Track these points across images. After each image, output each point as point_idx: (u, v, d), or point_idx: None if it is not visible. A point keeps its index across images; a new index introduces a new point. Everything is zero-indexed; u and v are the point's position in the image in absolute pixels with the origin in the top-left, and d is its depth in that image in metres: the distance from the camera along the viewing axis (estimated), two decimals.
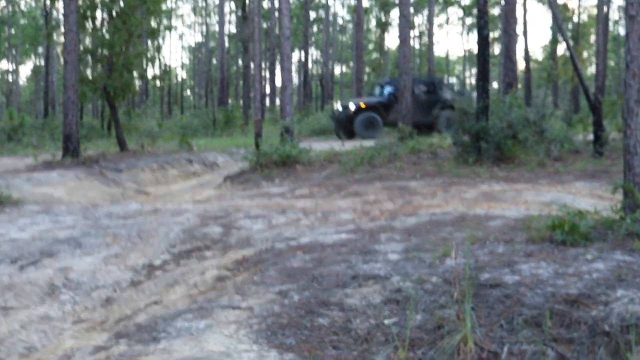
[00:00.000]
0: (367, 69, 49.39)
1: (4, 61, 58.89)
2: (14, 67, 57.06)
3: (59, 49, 41.36)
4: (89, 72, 19.38)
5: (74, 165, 15.08)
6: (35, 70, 59.93)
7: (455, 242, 5.58)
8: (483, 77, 13.67)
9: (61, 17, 25.81)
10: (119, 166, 15.55)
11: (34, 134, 25.37)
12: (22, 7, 54.38)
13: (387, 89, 24.18)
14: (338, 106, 24.75)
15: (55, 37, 37.92)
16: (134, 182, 14.71)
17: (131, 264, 6.60)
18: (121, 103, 21.03)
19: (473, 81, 66.49)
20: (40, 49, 54.51)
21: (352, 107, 23.28)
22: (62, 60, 19.18)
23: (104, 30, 19.14)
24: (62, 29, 17.65)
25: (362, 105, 23.29)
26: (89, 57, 19.04)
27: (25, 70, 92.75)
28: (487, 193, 9.68)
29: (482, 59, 13.69)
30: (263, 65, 50.95)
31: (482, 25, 13.61)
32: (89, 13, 18.89)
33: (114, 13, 18.98)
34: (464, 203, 8.85)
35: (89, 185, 13.40)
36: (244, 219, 8.27)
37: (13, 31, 53.83)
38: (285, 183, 12.00)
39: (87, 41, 19.35)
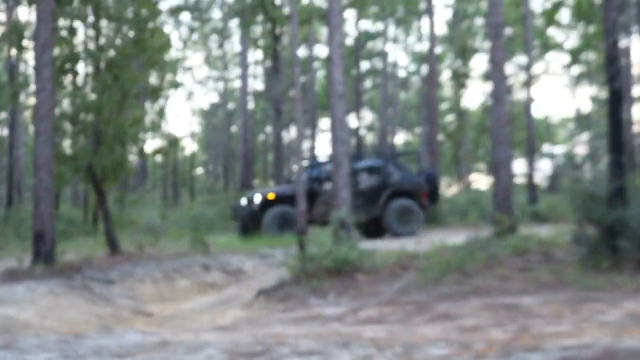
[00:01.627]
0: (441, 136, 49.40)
1: None
2: None
3: (27, 114, 42.15)
4: (67, 145, 19.42)
5: (47, 275, 14.88)
6: None
7: None
8: (616, 146, 13.26)
9: (31, 70, 26.16)
10: (109, 276, 15.33)
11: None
12: None
13: (310, 174, 24.26)
14: (243, 200, 24.97)
15: (23, 98, 38.53)
16: (130, 297, 14.47)
17: None
18: (111, 187, 21.01)
19: (580, 149, 65.84)
20: (3, 114, 55.58)
21: (257, 199, 23.50)
22: (31, 129, 19.28)
23: (88, 89, 19.25)
24: (33, 87, 17.76)
25: (271, 197, 23.45)
26: (68, 125, 19.10)
27: None
28: (636, 314, 9.14)
29: (613, 121, 13.33)
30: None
31: (613, 75, 13.30)
32: (68, 65, 19.04)
33: (101, 65, 19.12)
34: (606, 329, 8.30)
35: (68, 303, 13.12)
36: (291, 356, 7.81)
37: None
38: (343, 300, 11.60)
39: (66, 103, 19.49)
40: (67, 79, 19.38)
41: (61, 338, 9.50)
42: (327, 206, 22.09)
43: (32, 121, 17.34)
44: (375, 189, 24.00)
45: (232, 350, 8.21)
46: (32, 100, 19.19)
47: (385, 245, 16.48)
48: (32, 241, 16.40)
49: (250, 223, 23.26)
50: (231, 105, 60.73)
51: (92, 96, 18.72)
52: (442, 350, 7.88)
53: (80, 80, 19.67)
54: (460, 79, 50.62)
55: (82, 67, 19.90)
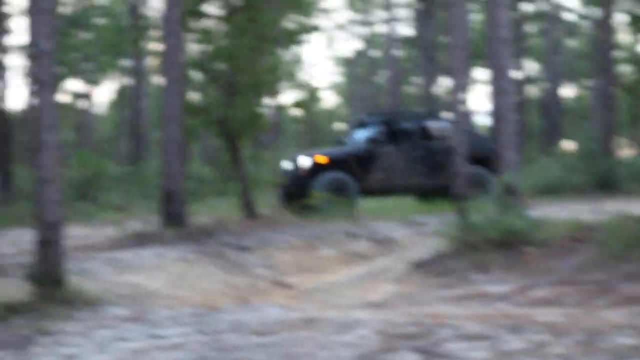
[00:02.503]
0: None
1: (74, 80, 61.66)
2: (89, 88, 59.68)
3: (151, 62, 42.93)
4: (199, 96, 19.64)
5: (177, 239, 15.10)
6: (119, 93, 62.43)
7: None
8: None
9: (155, 13, 26.52)
10: (245, 242, 15.45)
11: (117, 188, 26.05)
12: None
13: (368, 132, 22.80)
14: (286, 162, 23.39)
15: (147, 43, 39.22)
16: (268, 267, 14.55)
17: None
18: (246, 143, 21.17)
19: None
20: (126, 62, 56.71)
21: (304, 163, 21.62)
22: (156, 79, 19.57)
23: (220, 33, 19.37)
24: (159, 32, 17.95)
25: (322, 161, 21.61)
26: (199, 74, 19.29)
27: (105, 93, 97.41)
28: None
29: None
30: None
31: None
32: (198, 7, 19.16)
33: (235, 5, 19.18)
34: None
35: (200, 271, 13.29)
36: (454, 340, 7.69)
37: (88, 36, 56.42)
38: (510, 277, 11.36)
39: (196, 50, 19.69)
40: (198, 22, 19.52)
41: (195, 311, 9.63)
42: (387, 172, 21.56)
43: (160, 70, 17.53)
44: (442, 154, 22.40)
45: (387, 331, 8.13)
46: (155, 46, 19.40)
47: (554, 213, 16.07)
48: (160, 202, 16.66)
49: (295, 190, 21.33)
50: (376, 53, 60.50)
51: (225, 41, 18.79)
52: (630, 339, 7.62)
53: (211, 23, 19.78)
54: (639, 23, 48.93)
55: (213, 9, 20.01)
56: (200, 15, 19.44)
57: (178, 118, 16.53)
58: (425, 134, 22.52)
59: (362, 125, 23.72)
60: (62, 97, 62.81)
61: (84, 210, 22.18)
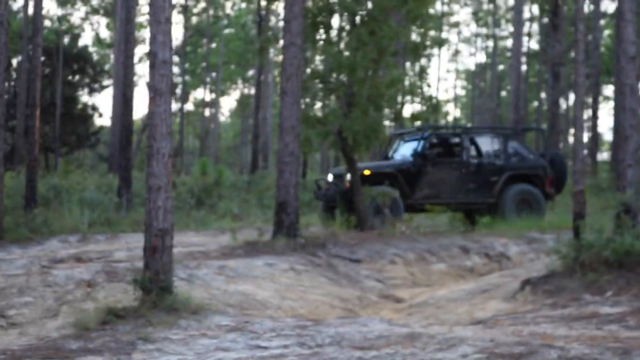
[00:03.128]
0: None
1: (201, 89, 62.61)
2: (214, 97, 60.53)
3: (276, 72, 43.33)
4: (317, 107, 19.66)
5: (289, 249, 15.11)
6: (242, 101, 63.11)
7: None
8: None
9: (281, 24, 26.70)
10: (357, 254, 15.38)
11: (236, 197, 26.27)
12: (229, 10, 57.54)
13: (415, 145, 21.83)
14: (329, 175, 22.78)
15: (272, 54, 39.51)
16: (378, 280, 14.46)
17: None
18: (363, 155, 21.10)
19: None
20: (251, 72, 57.26)
21: (348, 177, 20.22)
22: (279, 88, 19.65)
23: (341, 45, 19.35)
24: (281, 42, 18.00)
25: (366, 173, 20.66)
26: (319, 85, 19.30)
27: (229, 102, 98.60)
28: None
29: None
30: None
31: None
32: (321, 19, 19.18)
33: (357, 19, 19.16)
34: None
35: (309, 283, 13.26)
36: None
37: (214, 45, 57.19)
38: (624, 298, 10.98)
39: (317, 61, 19.69)
40: (319, 34, 19.54)
41: (299, 322, 9.57)
42: (433, 189, 21.05)
43: (279, 79, 17.61)
44: (491, 171, 21.90)
45: (490, 349, 7.94)
46: (281, 58, 19.50)
47: None
48: (275, 212, 16.69)
49: (338, 204, 20.39)
50: (501, 67, 59.91)
51: (346, 53, 18.75)
52: None
53: (333, 35, 19.78)
54: None
55: (336, 21, 20.02)
56: (322, 26, 19.44)
57: (295, 129, 16.51)
58: (475, 150, 22.06)
59: (408, 139, 22.80)
60: (188, 106, 63.94)
61: (201, 218, 22.43)
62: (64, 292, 11.94)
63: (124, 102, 27.02)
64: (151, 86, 10.40)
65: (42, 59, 33.99)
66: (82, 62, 49.20)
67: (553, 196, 22.53)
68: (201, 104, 64.00)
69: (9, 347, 8.87)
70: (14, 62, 43.50)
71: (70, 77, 48.57)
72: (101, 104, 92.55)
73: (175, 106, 56.79)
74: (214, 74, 59.34)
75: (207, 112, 62.71)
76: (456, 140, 22.10)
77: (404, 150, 22.44)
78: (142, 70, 56.17)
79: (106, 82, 50.38)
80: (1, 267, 14.48)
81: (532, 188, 21.80)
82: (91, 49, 54.83)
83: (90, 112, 50.70)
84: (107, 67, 52.89)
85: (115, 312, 9.55)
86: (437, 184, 21.18)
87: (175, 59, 52.04)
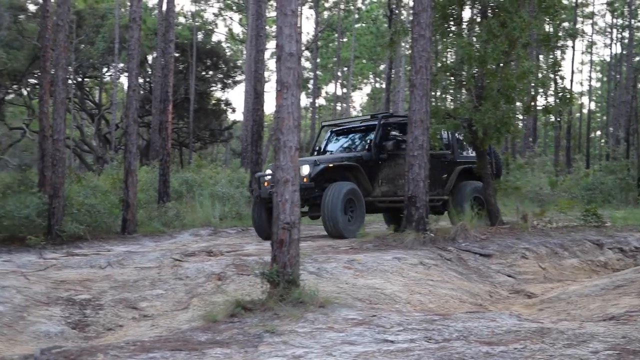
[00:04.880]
0: None
1: (332, 83, 62.87)
2: (345, 91, 60.68)
3: (407, 66, 43.18)
4: (447, 100, 19.47)
5: (418, 243, 15.06)
6: (373, 95, 63.15)
7: None
8: None
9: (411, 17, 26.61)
10: (487, 249, 15.24)
11: None
12: (360, 4, 57.59)
13: (353, 136, 20.19)
14: (267, 171, 19.68)
15: (402, 48, 39.38)
16: (509, 274, 14.27)
17: None
18: (495, 148, 20.84)
19: None
20: (382, 66, 57.21)
21: (304, 171, 18.14)
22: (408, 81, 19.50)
23: (472, 37, 19.13)
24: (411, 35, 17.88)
25: (331, 167, 18.56)
26: (448, 78, 19.11)
27: (361, 96, 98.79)
28: None
29: None
30: None
31: None
32: (451, 10, 18.98)
33: (488, 10, 18.90)
34: None
35: (438, 276, 13.17)
36: None
37: (346, 40, 57.29)
38: None
39: (447, 53, 19.51)
40: (449, 26, 19.36)
41: (426, 317, 9.48)
42: (391, 184, 19.27)
43: (408, 72, 17.49)
44: (443, 165, 20.01)
45: (622, 346, 7.72)
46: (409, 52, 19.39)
47: None
48: (404, 206, 16.59)
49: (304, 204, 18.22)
50: (638, 58, 58.38)
51: (476, 45, 18.52)
52: None
53: (463, 27, 19.57)
54: None
55: (466, 13, 19.82)
56: (452, 18, 19.26)
57: (424, 122, 16.39)
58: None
59: (370, 126, 20.30)
60: (319, 100, 64.26)
61: None
62: (194, 284, 12.14)
63: (255, 97, 27.30)
64: (278, 79, 10.45)
65: (176, 55, 34.60)
66: (215, 57, 49.88)
67: (496, 192, 20.08)
68: (333, 99, 64.24)
69: (140, 338, 9.03)
70: (149, 58, 44.38)
71: (203, 73, 49.31)
72: (234, 99, 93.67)
73: (307, 101, 57.15)
74: (345, 69, 59.48)
75: (338, 106, 62.91)
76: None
77: (342, 143, 20.62)
78: (273, 65, 56.69)
79: (239, 77, 50.96)
80: (134, 260, 14.81)
81: (481, 184, 19.64)
82: (224, 45, 55.53)
83: (223, 107, 51.39)
84: (239, 62, 53.49)
85: (244, 305, 9.63)
86: (394, 179, 19.28)
87: (307, 53, 52.36)
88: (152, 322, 10.87)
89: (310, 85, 53.33)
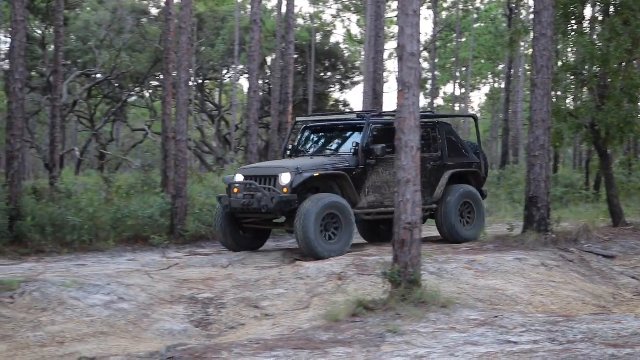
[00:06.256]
0: None
1: (451, 84, 62.64)
2: (464, 92, 60.34)
3: (527, 65, 42.72)
4: (569, 100, 19.21)
5: (539, 244, 14.86)
6: (493, 96, 62.58)
7: None
8: None
9: (531, 16, 26.28)
10: (610, 250, 15.01)
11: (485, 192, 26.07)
12: (479, 4, 57.14)
13: (357, 136, 16.88)
14: (234, 178, 16.74)
15: (522, 47, 38.91)
16: (633, 276, 14.00)
17: None
18: (618, 149, 20.48)
19: None
20: (501, 66, 56.72)
21: (285, 180, 15.52)
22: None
23: (594, 36, 18.83)
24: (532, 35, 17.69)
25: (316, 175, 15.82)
26: (570, 78, 18.85)
27: (479, 96, 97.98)
28: None
29: None
30: None
31: None
32: (572, 8, 18.70)
33: (610, 9, 18.59)
34: None
35: (560, 278, 12.99)
36: None
37: (464, 40, 56.93)
38: None
39: (569, 52, 19.24)
40: (571, 25, 19.08)
41: (549, 318, 9.39)
42: (378, 194, 16.48)
43: (530, 73, 17.28)
44: (432, 169, 17.25)
45: None
46: (531, 50, 19.12)
47: None
48: (525, 206, 16.40)
49: (275, 215, 15.77)
50: None
51: (599, 44, 18.21)
52: None
53: (585, 26, 19.28)
54: None
55: (588, 11, 19.53)
56: (574, 17, 18.98)
57: (546, 122, 16.17)
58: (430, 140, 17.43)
59: (357, 127, 17.35)
60: (438, 101, 64.04)
61: None
62: (315, 284, 12.21)
63: (374, 97, 27.26)
64: (400, 79, 10.45)
65: (295, 56, 34.82)
66: (334, 59, 50.02)
67: (485, 197, 18.44)
68: (451, 99, 63.91)
69: (262, 337, 9.14)
70: (269, 60, 44.77)
71: (322, 74, 49.49)
72: (352, 100, 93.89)
73: (425, 101, 56.92)
74: (463, 69, 59.07)
75: (457, 107, 62.56)
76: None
77: (321, 144, 17.91)
78: (391, 66, 56.56)
79: (357, 78, 51.02)
80: (255, 260, 14.97)
81: (472, 189, 17.68)
82: (342, 46, 55.66)
83: (342, 108, 51.55)
84: (357, 63, 53.57)
85: (365, 305, 9.67)
86: (381, 189, 16.55)
87: (425, 54, 52.17)
88: (274, 321, 10.97)
89: (428, 86, 53.07)
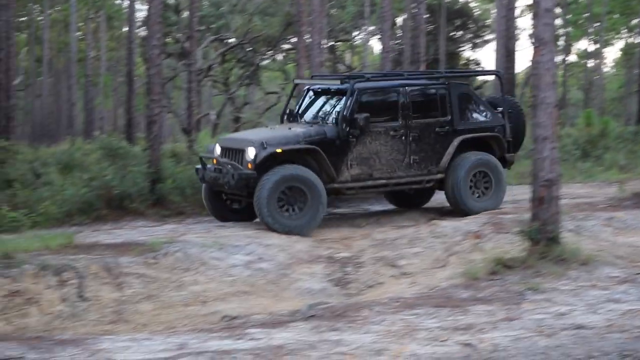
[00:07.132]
0: None
1: (584, 40, 61.36)
2: (597, 47, 59.09)
3: None
4: None
5: None
6: (627, 51, 61.09)
7: None
8: None
9: None
10: None
11: (622, 148, 25.48)
12: None
13: (342, 102, 15.33)
14: (214, 149, 15.82)
15: None
16: None
17: None
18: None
19: None
20: (635, 20, 55.33)
21: (250, 154, 14.34)
22: None
23: None
24: None
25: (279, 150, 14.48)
26: None
27: (613, 52, 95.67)
28: None
29: None
30: None
31: None
32: None
33: None
34: None
35: None
36: None
37: None
38: None
39: None
40: None
41: None
42: (365, 166, 14.98)
43: None
44: (437, 136, 15.62)
45: None
46: None
47: None
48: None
49: (233, 188, 14.58)
50: None
51: None
52: None
53: None
54: None
55: None
56: None
57: None
58: (415, 107, 15.61)
59: (332, 92, 16.21)
60: (571, 57, 62.81)
61: (586, 169, 22.00)
62: (451, 243, 12.19)
63: (506, 55, 26.92)
64: (535, 35, 10.34)
65: (426, 16, 34.58)
66: (464, 17, 49.56)
67: (511, 163, 16.66)
68: (584, 55, 62.65)
69: (401, 295, 9.19)
70: (399, 20, 44.58)
71: (452, 33, 49.10)
72: (483, 58, 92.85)
73: (558, 58, 56.00)
74: (597, 24, 57.82)
75: (590, 63, 61.28)
76: (392, 95, 15.68)
77: (314, 109, 16.45)
78: (522, 24, 55.80)
79: (488, 36, 50.44)
80: (392, 219, 14.97)
81: (488, 157, 15.84)
82: (473, 4, 55.07)
83: (473, 66, 51.08)
84: (488, 21, 52.94)
85: (503, 263, 9.62)
86: (369, 160, 15.09)
87: (558, 10, 51.22)
88: (412, 280, 11.00)
89: (561, 42, 52.13)
